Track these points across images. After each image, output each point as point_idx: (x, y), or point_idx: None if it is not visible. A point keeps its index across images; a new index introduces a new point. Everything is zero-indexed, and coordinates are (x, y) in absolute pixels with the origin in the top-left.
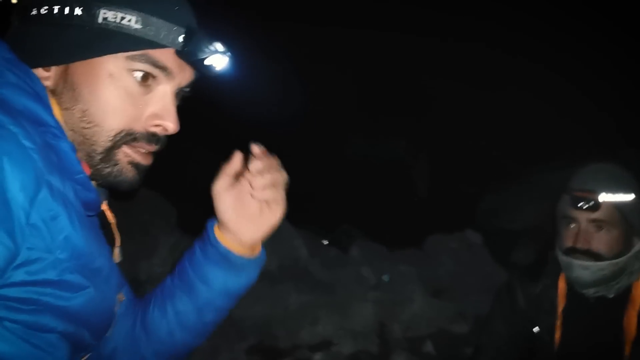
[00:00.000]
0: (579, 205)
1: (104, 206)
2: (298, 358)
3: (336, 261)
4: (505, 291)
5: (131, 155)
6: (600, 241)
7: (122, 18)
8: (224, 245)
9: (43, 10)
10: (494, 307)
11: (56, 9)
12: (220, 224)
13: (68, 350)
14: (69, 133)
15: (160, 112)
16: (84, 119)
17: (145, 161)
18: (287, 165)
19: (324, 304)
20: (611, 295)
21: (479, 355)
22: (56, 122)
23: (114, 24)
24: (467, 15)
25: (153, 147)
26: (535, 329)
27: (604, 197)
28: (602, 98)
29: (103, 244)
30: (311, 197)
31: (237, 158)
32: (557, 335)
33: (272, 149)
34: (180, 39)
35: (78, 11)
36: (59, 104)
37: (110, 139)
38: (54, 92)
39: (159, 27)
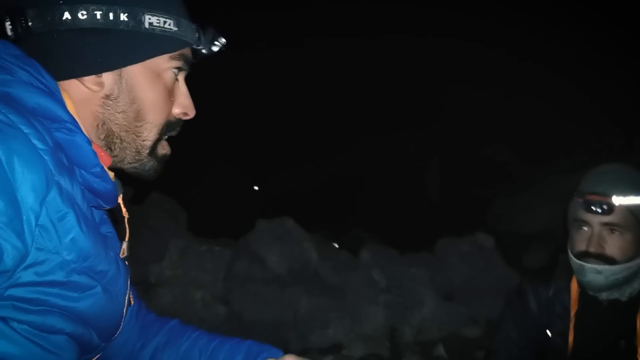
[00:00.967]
0: (592, 209)
1: (120, 200)
2: None
3: (347, 264)
4: (517, 295)
5: (166, 149)
6: (614, 245)
7: (165, 22)
8: None
9: (81, 15)
10: (505, 312)
11: (98, 14)
12: None
13: (76, 352)
14: (122, 134)
15: (183, 102)
16: (138, 117)
17: (169, 151)
18: (298, 169)
19: (335, 308)
20: (624, 299)
21: (491, 359)
22: (70, 116)
23: (159, 28)
24: (479, 19)
25: (175, 134)
26: (548, 333)
27: (618, 201)
28: (611, 101)
29: (112, 244)
30: (322, 200)
31: None
32: (570, 338)
33: (283, 154)
34: (196, 36)
35: (123, 17)
36: (114, 107)
37: (157, 132)
38: (108, 97)
39: (186, 28)
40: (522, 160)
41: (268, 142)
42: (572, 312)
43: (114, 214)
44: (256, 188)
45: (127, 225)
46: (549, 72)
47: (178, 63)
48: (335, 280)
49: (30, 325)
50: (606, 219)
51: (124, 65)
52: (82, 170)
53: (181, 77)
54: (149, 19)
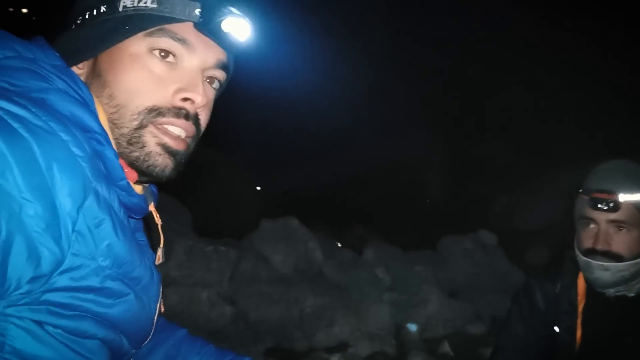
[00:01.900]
0: (598, 206)
1: (152, 207)
2: None
3: (351, 263)
4: (524, 292)
5: (158, 136)
6: (620, 242)
7: (139, 1)
8: None
9: (79, 21)
10: (512, 308)
11: (87, 14)
12: None
13: (107, 357)
14: (105, 122)
15: (185, 86)
16: (111, 103)
17: (177, 145)
18: (301, 169)
19: (340, 306)
20: (631, 295)
21: (498, 356)
22: (101, 128)
23: (132, 9)
24: (478, 17)
25: (184, 123)
26: (555, 329)
27: (624, 198)
28: (613, 100)
29: (146, 251)
30: (325, 200)
31: None
32: (578, 334)
33: (287, 154)
34: (197, 12)
35: (103, 8)
36: (93, 95)
37: (135, 117)
38: (88, 85)
39: (174, 4)
40: (523, 158)
41: (271, 142)
42: (579, 309)
43: (147, 222)
44: (259, 188)
45: (161, 232)
46: (549, 70)
47: (160, 41)
48: (340, 279)
49: (64, 329)
50: (612, 216)
51: (97, 53)
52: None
53: (190, 62)
54: (124, 2)
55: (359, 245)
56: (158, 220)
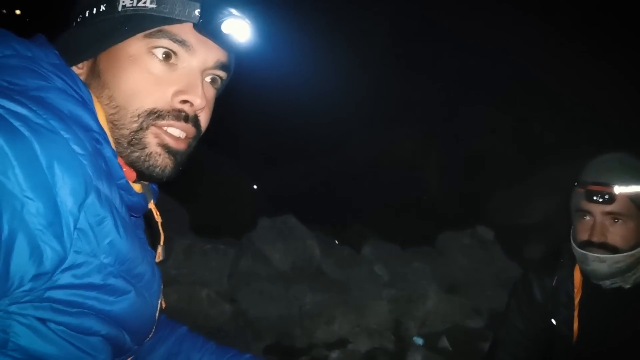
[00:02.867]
0: (594, 198)
1: (152, 205)
2: (315, 357)
3: (349, 260)
4: (522, 286)
5: (160, 137)
6: (616, 234)
7: (138, 1)
8: None
9: (79, 20)
10: (510, 302)
11: (87, 13)
12: None
13: (110, 354)
14: (104, 123)
15: (184, 88)
16: (111, 104)
17: (177, 145)
18: (298, 167)
19: (339, 303)
20: (628, 286)
21: (497, 349)
22: (100, 127)
23: (131, 9)
24: (467, 14)
25: (184, 126)
26: (553, 322)
27: (619, 190)
28: (609, 93)
29: (147, 248)
30: (323, 198)
31: None
32: (575, 327)
33: (284, 151)
34: (197, 12)
35: (102, 7)
36: (93, 95)
37: (135, 119)
38: (87, 85)
39: (174, 4)
40: (520, 152)
41: (268, 140)
42: (576, 301)
43: (148, 219)
44: (255, 187)
45: (161, 230)
46: (546, 65)
47: (159, 42)
48: (339, 275)
49: (67, 326)
50: (608, 208)
51: (96, 53)
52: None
53: (190, 64)
54: (123, 2)
55: (357, 242)
56: (158, 217)
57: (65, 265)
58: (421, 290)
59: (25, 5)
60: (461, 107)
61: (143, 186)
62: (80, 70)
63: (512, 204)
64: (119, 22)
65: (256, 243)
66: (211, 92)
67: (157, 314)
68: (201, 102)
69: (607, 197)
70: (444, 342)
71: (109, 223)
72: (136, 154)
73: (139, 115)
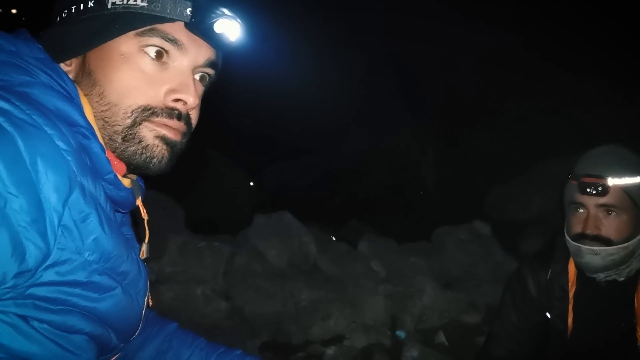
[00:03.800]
0: (587, 190)
1: (139, 202)
2: (311, 353)
3: (345, 256)
4: (516, 280)
5: (156, 129)
6: (610, 226)
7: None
8: None
9: (64, 14)
10: (505, 296)
11: (73, 8)
12: None
13: (95, 352)
14: (93, 119)
15: (177, 87)
16: (102, 101)
17: (174, 136)
18: (294, 163)
19: (335, 299)
20: (622, 279)
21: (491, 343)
22: (87, 122)
23: (121, 6)
24: (469, 5)
25: (177, 124)
26: (548, 316)
27: (612, 182)
28: (606, 89)
29: (132, 246)
30: (319, 194)
31: None
32: (570, 320)
33: (279, 147)
34: (188, 11)
35: (90, 4)
36: (82, 92)
37: (129, 115)
38: (76, 82)
39: (165, 3)
40: (516, 148)
41: (264, 137)
42: (571, 294)
43: (134, 216)
44: (252, 184)
45: (147, 227)
46: (541, 60)
47: (151, 40)
48: (334, 272)
49: (50, 324)
50: (601, 200)
51: (86, 50)
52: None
53: (182, 62)
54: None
55: (353, 238)
56: (145, 215)
57: (49, 262)
58: (418, 286)
59: (21, 4)
60: (457, 103)
61: (132, 182)
62: (69, 67)
63: (509, 198)
64: (109, 20)
65: (251, 240)
66: (200, 90)
67: (143, 312)
68: (194, 101)
69: (600, 189)
70: (441, 338)
71: (93, 220)
72: (132, 149)
73: (132, 112)
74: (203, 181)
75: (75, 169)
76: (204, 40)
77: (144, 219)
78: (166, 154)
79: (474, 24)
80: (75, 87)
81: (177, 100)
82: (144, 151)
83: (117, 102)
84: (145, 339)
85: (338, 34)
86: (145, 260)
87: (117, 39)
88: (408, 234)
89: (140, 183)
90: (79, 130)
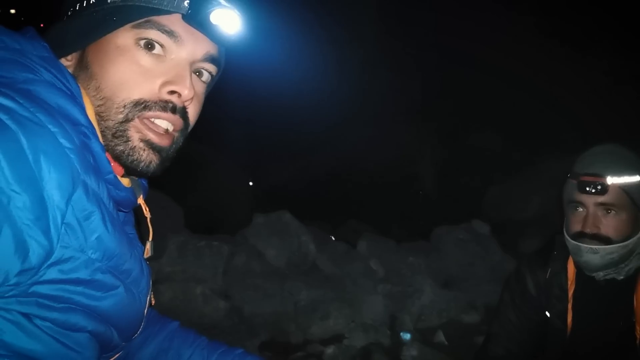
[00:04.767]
0: (586, 189)
1: (141, 200)
2: (310, 353)
3: (344, 256)
4: (515, 279)
5: (142, 132)
6: (609, 225)
7: None
8: None
9: (69, 12)
10: (504, 295)
11: (77, 5)
12: None
13: (97, 350)
14: (92, 116)
15: (172, 79)
16: (98, 95)
17: (161, 141)
18: (293, 163)
19: (334, 299)
20: (621, 278)
21: (490, 343)
22: (88, 121)
23: (120, 0)
24: (467, 10)
25: (171, 117)
26: (547, 315)
27: (612, 180)
28: (605, 88)
29: (135, 244)
30: (318, 194)
31: None
32: (569, 319)
33: (279, 147)
34: (185, 3)
35: (93, 0)
36: (81, 87)
37: (122, 109)
38: (75, 77)
39: None
40: (515, 147)
41: (262, 136)
42: (570, 293)
43: (137, 215)
44: (251, 183)
45: (150, 226)
46: (539, 61)
47: (147, 32)
48: (333, 271)
49: (53, 322)
50: (601, 199)
51: (85, 44)
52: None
53: (179, 55)
54: None
55: (353, 238)
56: (147, 213)
57: (52, 260)
58: (417, 285)
59: (20, 4)
60: (455, 103)
61: (132, 181)
62: (68, 62)
63: (508, 198)
64: (108, 14)
65: (250, 239)
66: (200, 86)
67: (145, 311)
68: (189, 93)
69: (599, 187)
70: (440, 337)
71: (96, 218)
72: (120, 147)
73: (124, 106)
74: (202, 181)
75: (78, 167)
76: (202, 33)
77: (146, 217)
78: (154, 158)
79: (471, 20)
80: (78, 86)
81: (172, 92)
82: (130, 152)
83: (111, 96)
84: (147, 338)
85: (335, 32)
86: (148, 258)
87: (114, 32)
88: (407, 234)
89: (143, 182)
90: (79, 129)
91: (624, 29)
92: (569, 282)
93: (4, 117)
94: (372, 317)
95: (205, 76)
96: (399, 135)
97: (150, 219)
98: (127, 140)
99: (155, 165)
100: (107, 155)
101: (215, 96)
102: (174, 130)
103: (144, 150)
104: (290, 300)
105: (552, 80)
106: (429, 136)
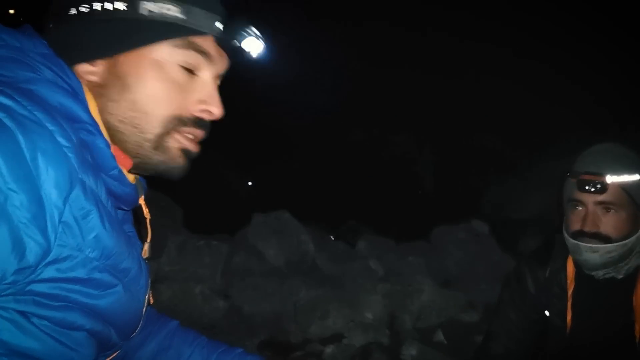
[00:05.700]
0: (586, 188)
1: (141, 201)
2: (309, 352)
3: (344, 255)
4: (514, 277)
5: (182, 142)
6: (608, 223)
7: (165, 8)
8: None
9: (83, 8)
10: (503, 294)
11: (97, 5)
12: None
13: (94, 349)
14: (117, 124)
15: (205, 98)
16: (133, 107)
17: (194, 148)
18: (291, 163)
19: (334, 298)
20: (620, 276)
21: (490, 341)
22: (91, 118)
23: (158, 14)
24: (466, 11)
25: (200, 133)
26: (546, 314)
27: (611, 179)
28: (598, 86)
29: (134, 243)
30: (317, 193)
31: None
32: (568, 318)
33: (277, 147)
34: (219, 25)
35: (120, 5)
36: (106, 96)
37: (160, 124)
38: (101, 85)
39: (199, 15)
40: (514, 147)
41: (260, 136)
42: (569, 292)
43: (136, 215)
44: (250, 183)
45: (149, 226)
46: (537, 61)
47: (185, 52)
48: (333, 271)
49: (50, 320)
50: (600, 197)
51: (117, 52)
52: (100, 173)
53: (208, 73)
54: (145, 4)
55: (352, 238)
56: (147, 214)
57: (49, 259)
58: (416, 285)
59: (19, 4)
60: (456, 102)
61: (135, 179)
62: (94, 68)
63: (507, 197)
64: (145, 26)
65: (250, 239)
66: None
67: (144, 309)
68: (220, 112)
69: (599, 186)
70: (439, 336)
71: (94, 217)
72: (159, 158)
73: (163, 121)
74: (201, 180)
75: (76, 166)
76: (229, 55)
77: (146, 218)
78: (186, 165)
79: (473, 16)
80: (80, 83)
81: (204, 110)
82: (168, 161)
83: (149, 110)
84: (146, 337)
85: (337, 29)
86: (150, 258)
87: (151, 45)
88: (406, 233)
89: (142, 182)
90: (83, 127)
91: (629, 35)
92: (569, 281)
93: (1, 116)
94: (372, 316)
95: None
96: (398, 134)
97: (150, 219)
98: (166, 151)
99: (185, 169)
100: (114, 150)
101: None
102: (199, 137)
103: (181, 157)
104: (289, 300)
105: (553, 78)
106: (428, 135)
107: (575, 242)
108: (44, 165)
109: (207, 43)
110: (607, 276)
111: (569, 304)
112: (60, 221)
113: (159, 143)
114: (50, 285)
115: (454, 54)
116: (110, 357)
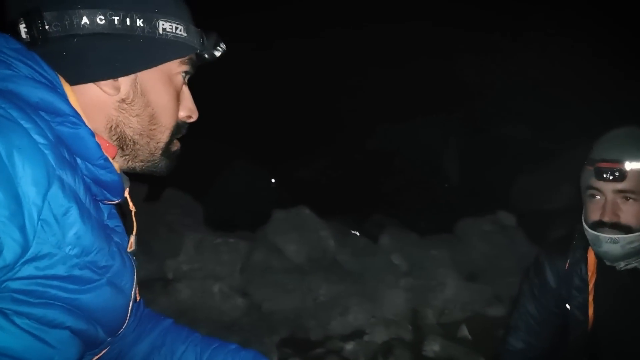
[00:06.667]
0: (604, 176)
1: (126, 193)
2: (330, 349)
3: (365, 250)
4: (534, 270)
5: (177, 145)
6: (629, 212)
7: (176, 28)
8: None
9: (99, 20)
10: (523, 286)
11: (116, 20)
12: None
13: (79, 347)
14: (136, 137)
15: (188, 104)
16: (152, 121)
17: (179, 148)
18: (317, 158)
19: (355, 294)
20: None
21: (510, 336)
22: (73, 109)
23: (172, 34)
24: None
25: (182, 134)
26: (567, 307)
27: (630, 166)
28: (631, 75)
29: (119, 237)
30: (342, 188)
31: None
32: (590, 311)
33: (299, 144)
34: (200, 40)
35: (140, 23)
36: (129, 111)
37: (168, 133)
38: (124, 100)
39: (194, 33)
40: (542, 137)
41: (281, 131)
42: (591, 284)
43: (122, 209)
44: (273, 180)
45: (134, 219)
46: (568, 51)
47: (187, 67)
48: (354, 266)
49: (30, 318)
50: (619, 186)
51: (140, 70)
52: (87, 163)
53: (184, 80)
54: (163, 24)
55: (377, 232)
56: (132, 207)
57: (28, 256)
58: (440, 279)
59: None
60: (479, 93)
61: (120, 169)
62: (117, 84)
63: (536, 188)
64: (162, 45)
65: (270, 236)
66: None
67: (130, 305)
68: (197, 116)
69: (617, 174)
70: (464, 331)
71: (74, 213)
72: (164, 162)
73: (171, 129)
74: (221, 178)
75: (53, 163)
76: (202, 62)
77: (131, 211)
78: (174, 163)
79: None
80: (57, 75)
81: (189, 116)
82: (169, 164)
83: (163, 121)
84: (140, 335)
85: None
86: (133, 252)
87: (167, 63)
88: (431, 226)
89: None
90: (67, 119)
91: None
92: (590, 273)
93: None
94: (394, 311)
95: None
96: (424, 127)
97: (135, 212)
98: (169, 155)
99: (171, 169)
100: (98, 139)
101: (232, 93)
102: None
103: (174, 159)
104: (309, 296)
105: (585, 68)
106: (454, 127)
107: (595, 233)
108: (21, 163)
109: (194, 56)
110: (629, 267)
111: (591, 297)
112: (39, 219)
113: (167, 149)
114: (28, 282)
115: (482, 43)
116: (99, 355)
